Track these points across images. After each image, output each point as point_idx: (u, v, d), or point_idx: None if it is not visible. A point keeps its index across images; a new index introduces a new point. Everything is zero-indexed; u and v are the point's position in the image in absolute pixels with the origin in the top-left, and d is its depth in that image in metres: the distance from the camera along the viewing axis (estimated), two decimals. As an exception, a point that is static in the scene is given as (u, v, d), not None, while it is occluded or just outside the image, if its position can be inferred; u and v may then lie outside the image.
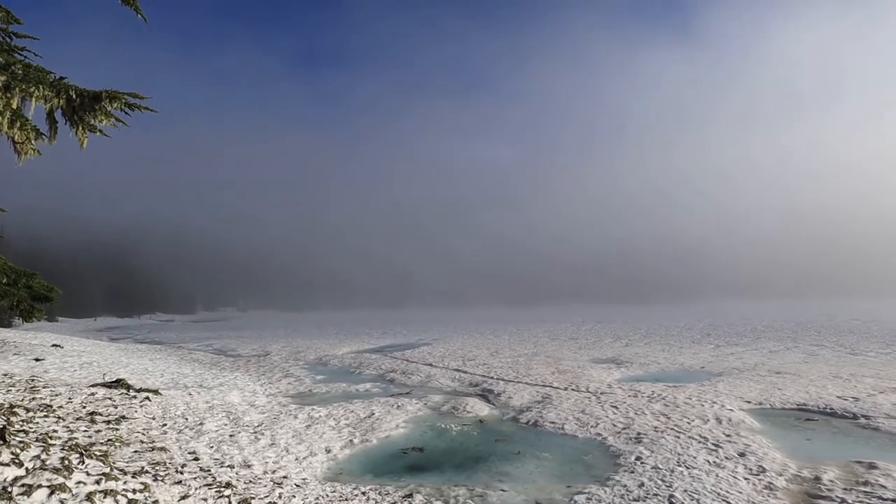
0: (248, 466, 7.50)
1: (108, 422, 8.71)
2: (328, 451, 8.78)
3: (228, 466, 7.34)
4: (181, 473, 6.60)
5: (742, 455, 8.15)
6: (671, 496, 6.59)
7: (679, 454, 8.25)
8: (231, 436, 9.11)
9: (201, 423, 9.74)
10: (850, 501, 6.37)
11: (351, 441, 9.38)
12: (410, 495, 6.80)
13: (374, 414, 11.29)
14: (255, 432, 9.50)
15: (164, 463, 6.92)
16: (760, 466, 7.63)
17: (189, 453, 7.74)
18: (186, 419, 9.99)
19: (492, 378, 16.03)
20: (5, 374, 11.94)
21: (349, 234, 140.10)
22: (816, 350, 21.54)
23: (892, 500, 6.30)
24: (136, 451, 7.29)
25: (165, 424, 9.31)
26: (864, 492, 6.63)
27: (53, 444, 6.49)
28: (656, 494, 6.69)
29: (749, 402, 12.00)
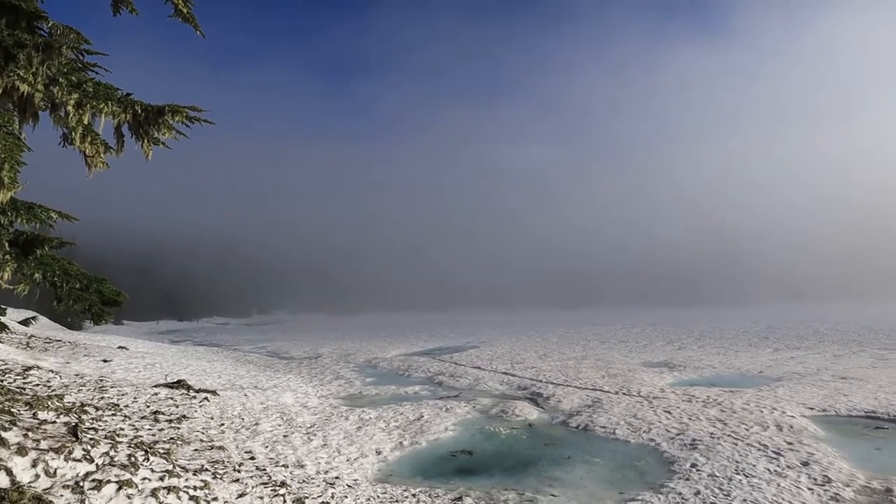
0: (302, 466, 7.73)
1: (170, 421, 9.16)
2: (378, 452, 8.93)
3: (283, 466, 7.58)
4: (238, 472, 6.87)
5: (805, 464, 7.76)
6: (729, 505, 6.35)
7: (737, 462, 7.94)
8: (285, 436, 9.40)
9: (257, 424, 10.10)
10: (928, 516, 5.97)
11: (401, 443, 9.51)
12: (460, 498, 6.83)
13: (423, 416, 11.39)
14: (308, 433, 9.76)
15: (223, 461, 7.22)
16: (826, 476, 7.24)
17: (245, 452, 8.05)
18: (243, 419, 10.37)
19: (540, 381, 15.87)
20: (77, 375, 12.74)
21: (394, 239, 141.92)
22: (886, 354, 20.22)
23: (977, 516, 5.86)
24: (196, 450, 7.64)
25: (223, 424, 9.70)
26: (944, 506, 6.19)
27: (121, 442, 6.88)
28: (713, 503, 6.46)
29: (812, 408, 11.40)
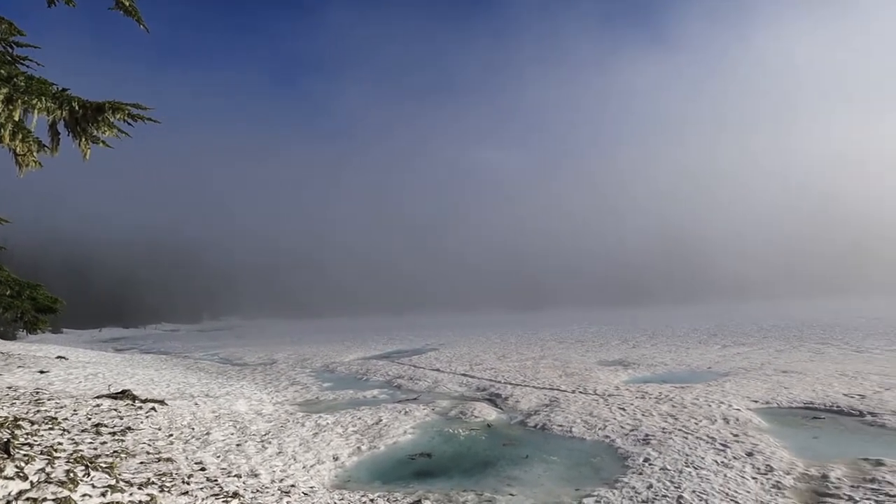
0: (256, 475, 7.50)
1: (114, 433, 8.72)
2: (336, 458, 8.77)
3: (235, 476, 7.34)
4: (188, 484, 6.60)
5: (750, 455, 8.10)
6: (680, 497, 6.55)
7: (687, 455, 8.21)
8: (238, 445, 9.11)
9: (208, 433, 9.75)
10: (857, 499, 6.32)
11: (359, 448, 9.37)
12: (419, 501, 6.78)
13: (381, 420, 11.28)
14: (263, 441, 9.49)
15: (171, 474, 6.92)
16: (768, 465, 7.58)
17: (196, 463, 7.74)
18: (193, 429, 9.99)
19: (499, 382, 15.99)
20: (9, 387, 11.98)
21: (353, 242, 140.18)
22: (822, 348, 21.42)
23: (904, 498, 6.24)
24: (142, 463, 7.30)
25: (171, 435, 9.31)
26: (872, 489, 6.58)
27: (58, 457, 6.50)
28: (665, 496, 6.65)
29: (756, 401, 11.93)
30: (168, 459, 7.60)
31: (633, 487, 7.01)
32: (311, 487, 7.25)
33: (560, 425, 10.54)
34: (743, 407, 11.34)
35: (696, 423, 10.07)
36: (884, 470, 7.17)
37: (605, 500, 6.68)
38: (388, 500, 6.83)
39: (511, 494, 7.05)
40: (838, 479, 6.98)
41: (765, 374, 15.47)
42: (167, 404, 11.73)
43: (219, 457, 8.30)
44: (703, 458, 8.05)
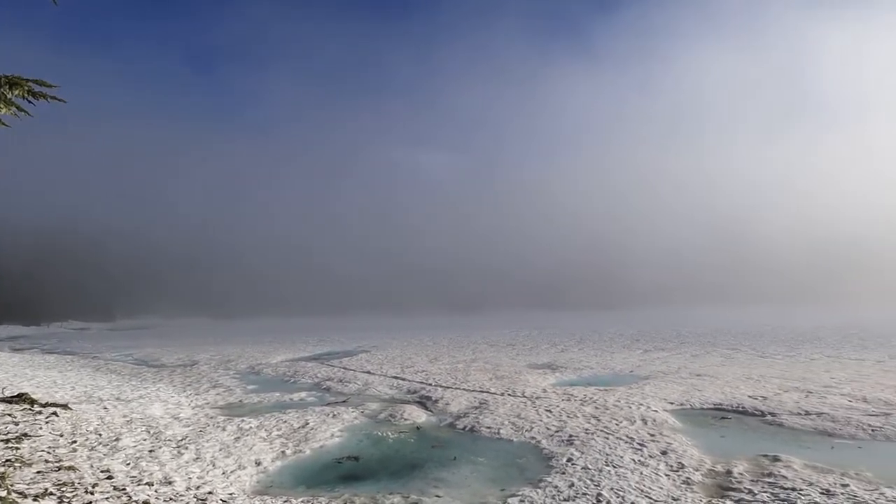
0: (170, 483, 7.07)
1: (7, 441, 7.97)
2: (258, 463, 8.44)
3: (147, 484, 6.89)
4: (91, 494, 6.13)
5: (664, 453, 8.56)
6: (599, 495, 6.82)
7: (607, 454, 8.56)
8: (151, 451, 8.58)
9: (117, 439, 9.12)
10: (756, 492, 6.84)
11: (283, 452, 9.07)
12: (343, 506, 6.64)
13: (308, 423, 10.98)
14: (179, 446, 8.99)
15: (73, 483, 6.41)
16: (680, 463, 8.04)
17: (102, 472, 7.21)
18: (100, 435, 9.32)
19: (430, 385, 16.01)
20: None
21: (284, 240, 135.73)
22: (732, 353, 23.02)
23: (792, 489, 6.81)
24: (39, 472, 6.71)
25: (75, 441, 8.63)
26: (769, 482, 7.14)
27: (-59, 467, 5.86)
28: (585, 493, 6.90)
29: (672, 403, 12.64)
30: (70, 468, 7.03)
31: (556, 486, 7.21)
32: (231, 494, 6.93)
33: (488, 427, 10.69)
34: (660, 408, 11.97)
35: (616, 424, 10.52)
36: (779, 465, 7.80)
37: (529, 499, 6.83)
38: (311, 505, 6.64)
39: (437, 496, 7.06)
40: (741, 474, 7.52)
41: (681, 377, 16.41)
42: (71, 409, 10.86)
43: (129, 464, 7.78)
44: (622, 457, 8.42)
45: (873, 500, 6.35)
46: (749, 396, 12.97)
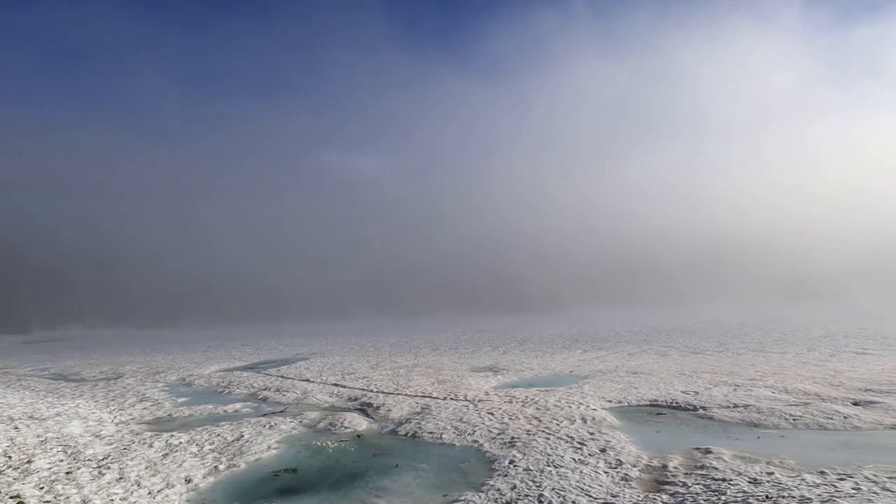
0: (86, 507, 6.53)
1: None
2: (188, 480, 7.95)
3: (60, 509, 6.33)
4: (-6, 523, 5.55)
5: (603, 451, 8.77)
6: (541, 495, 6.87)
7: (549, 455, 8.66)
8: (68, 473, 7.92)
9: (29, 462, 8.37)
10: (689, 484, 7.11)
11: (216, 467, 8.60)
12: (280, 521, 6.35)
13: (243, 436, 10.50)
14: (100, 466, 8.35)
15: (-28, 513, 5.78)
16: (618, 460, 8.26)
17: (11, 498, 6.58)
18: (9, 458, 8.53)
19: (371, 391, 15.73)
20: None
21: (218, 245, 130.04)
22: (666, 351, 24.06)
23: (723, 480, 7.14)
24: (-68, 502, 6.01)
25: (-22, 466, 7.83)
26: (701, 474, 7.45)
27: None
28: (527, 495, 6.93)
29: (610, 401, 13.01)
30: (-32, 496, 6.35)
31: (499, 489, 7.21)
32: (156, 515, 6.47)
33: (431, 432, 10.60)
34: (599, 407, 12.29)
35: (557, 424, 10.69)
36: (711, 457, 8.15)
37: (471, 503, 6.78)
38: (245, 522, 6.30)
39: (380, 505, 6.89)
40: (675, 468, 7.81)
41: (618, 375, 16.95)
42: (-26, 430, 9.87)
43: (42, 488, 7.14)
44: (562, 456, 8.54)
45: (796, 486, 6.73)
46: (682, 392, 13.55)
